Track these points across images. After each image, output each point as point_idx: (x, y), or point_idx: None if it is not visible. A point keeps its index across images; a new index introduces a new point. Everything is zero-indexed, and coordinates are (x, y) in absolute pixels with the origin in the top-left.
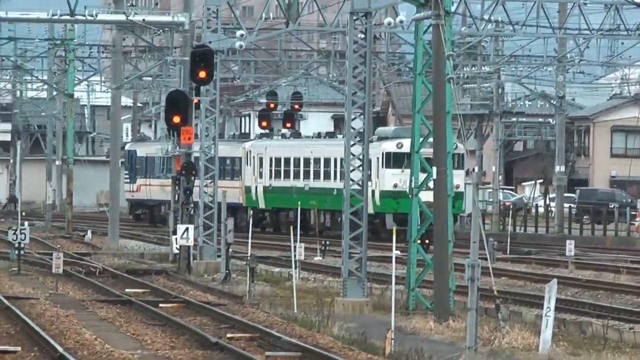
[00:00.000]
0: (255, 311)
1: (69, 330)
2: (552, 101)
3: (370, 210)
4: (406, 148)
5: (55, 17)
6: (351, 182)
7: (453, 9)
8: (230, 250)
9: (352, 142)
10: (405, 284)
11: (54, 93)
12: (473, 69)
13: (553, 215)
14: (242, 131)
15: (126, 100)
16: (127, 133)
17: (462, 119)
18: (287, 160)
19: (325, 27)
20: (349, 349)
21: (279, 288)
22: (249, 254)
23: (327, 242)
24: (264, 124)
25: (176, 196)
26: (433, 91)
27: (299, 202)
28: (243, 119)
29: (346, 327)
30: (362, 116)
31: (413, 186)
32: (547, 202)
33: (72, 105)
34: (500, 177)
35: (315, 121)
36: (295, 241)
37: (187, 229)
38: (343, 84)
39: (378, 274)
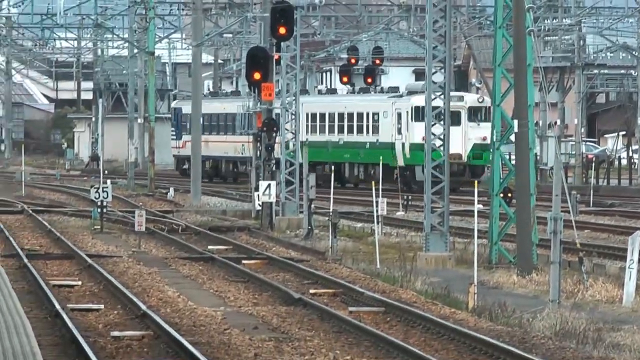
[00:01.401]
0: (338, 267)
1: (151, 288)
2: (634, 53)
3: (401, 162)
4: (435, 102)
5: None
6: (432, 137)
7: None
8: (312, 206)
9: (432, 97)
10: (487, 237)
11: (135, 51)
12: (554, 21)
13: (636, 167)
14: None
15: (207, 58)
16: (208, 90)
17: (544, 72)
18: (322, 116)
19: None
20: (432, 303)
21: (362, 243)
22: (331, 210)
23: (410, 197)
24: (345, 79)
25: (258, 153)
26: (514, 44)
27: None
28: (324, 74)
29: (429, 282)
30: (443, 70)
31: (494, 139)
32: (630, 154)
33: (153, 63)
34: (582, 129)
35: (397, 76)
36: (377, 196)
37: (269, 186)
38: (424, 38)
39: (460, 228)
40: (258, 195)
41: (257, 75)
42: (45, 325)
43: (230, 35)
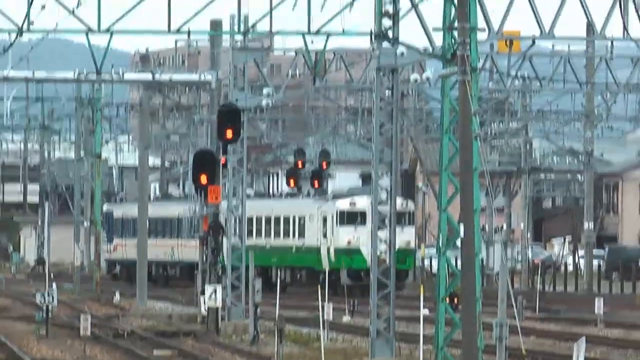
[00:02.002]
0: None
1: None
2: (580, 157)
3: (326, 266)
4: (359, 206)
5: (82, 76)
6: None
7: (480, 64)
8: (258, 310)
9: (379, 200)
10: (433, 343)
11: (82, 154)
12: (500, 125)
13: (582, 273)
14: (269, 190)
15: (154, 160)
16: (155, 192)
17: (490, 176)
18: (249, 220)
19: (353, 84)
20: None
21: (308, 349)
22: (277, 315)
23: (357, 302)
24: (292, 182)
25: (204, 256)
26: (460, 148)
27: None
28: (271, 177)
29: None
30: (389, 173)
31: (441, 244)
32: (577, 259)
33: (100, 166)
34: (528, 234)
35: (344, 179)
36: (323, 301)
37: (215, 290)
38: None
39: (406, 334)
40: (204, 299)
41: (203, 178)
42: None
43: (177, 137)
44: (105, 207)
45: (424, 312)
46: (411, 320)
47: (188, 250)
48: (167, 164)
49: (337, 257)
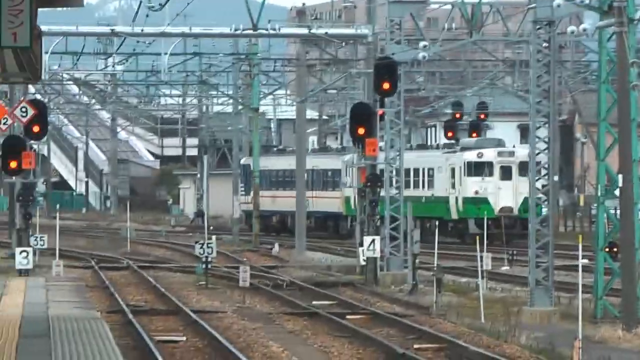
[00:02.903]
0: (442, 321)
1: (256, 344)
2: None
3: (455, 215)
4: (486, 157)
5: (239, 32)
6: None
7: (637, 15)
8: (416, 261)
9: (537, 151)
10: (592, 292)
11: (240, 107)
12: None
13: None
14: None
15: (311, 113)
16: (313, 145)
17: None
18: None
19: (509, 37)
20: (537, 358)
21: (466, 298)
22: (435, 265)
23: (515, 252)
24: (450, 134)
25: (362, 208)
26: (617, 99)
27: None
28: (429, 129)
29: (533, 337)
30: (547, 125)
31: (599, 194)
32: None
33: (258, 119)
34: None
35: (502, 130)
36: (481, 251)
37: (373, 241)
38: (528, 93)
39: (565, 283)
40: (362, 250)
41: (361, 131)
42: None
43: (335, 91)
44: (242, 160)
45: (583, 261)
46: (570, 269)
47: (321, 201)
48: (324, 116)
49: (465, 206)
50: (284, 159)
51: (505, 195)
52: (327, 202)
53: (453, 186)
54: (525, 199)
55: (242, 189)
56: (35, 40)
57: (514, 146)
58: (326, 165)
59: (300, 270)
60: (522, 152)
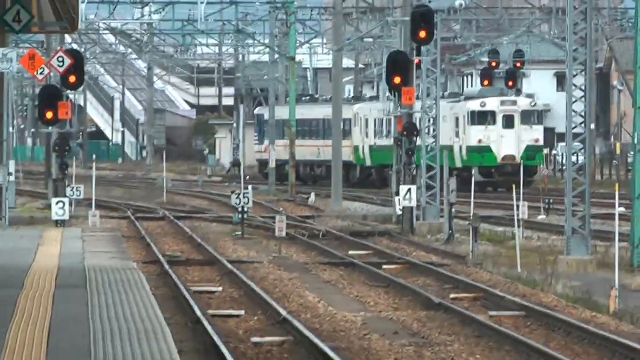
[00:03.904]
0: (479, 271)
1: (292, 293)
2: None
3: (459, 164)
4: (489, 106)
5: None
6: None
7: None
8: (453, 210)
9: (573, 99)
10: (629, 240)
11: (276, 56)
12: None
13: None
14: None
15: (348, 62)
16: (349, 94)
17: None
18: (388, 121)
19: None
20: (573, 307)
21: (502, 247)
22: (471, 214)
23: (551, 200)
24: (486, 82)
25: (398, 157)
26: None
27: None
28: (465, 77)
29: (570, 285)
30: (583, 72)
31: (635, 142)
32: None
33: (294, 68)
34: None
35: (538, 78)
36: (518, 200)
37: (409, 190)
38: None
39: (601, 231)
40: (399, 199)
41: (397, 80)
42: (185, 331)
43: (371, 39)
44: (257, 110)
45: (620, 210)
46: (606, 218)
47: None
48: (360, 65)
49: (469, 155)
50: (304, 108)
51: (508, 143)
52: None
53: (457, 135)
54: (528, 147)
55: (256, 138)
56: None
57: (516, 94)
58: None
59: (336, 219)
60: (524, 101)
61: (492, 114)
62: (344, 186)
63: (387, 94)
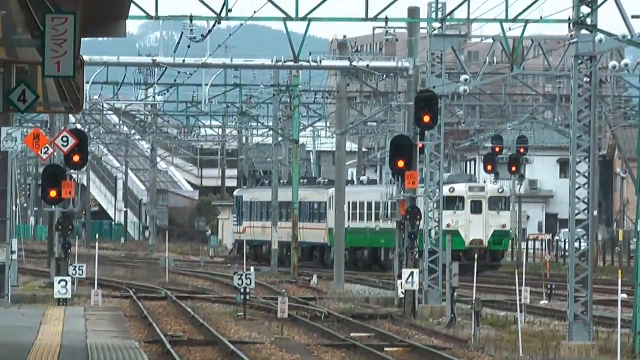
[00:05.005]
0: (481, 355)
1: None
2: None
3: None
4: (458, 192)
5: (280, 63)
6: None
7: None
8: (455, 294)
9: (577, 186)
10: (631, 327)
11: (279, 139)
12: None
13: None
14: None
15: (351, 145)
16: (352, 178)
17: None
18: (361, 204)
19: (550, 71)
20: None
21: (504, 332)
22: (473, 298)
23: (554, 286)
24: (489, 167)
25: (401, 240)
26: None
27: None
28: (468, 162)
29: None
30: (587, 159)
31: (638, 229)
32: None
33: (297, 151)
34: None
35: (541, 165)
36: (519, 285)
37: (412, 273)
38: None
39: (604, 317)
40: (401, 282)
41: (400, 163)
42: None
43: (375, 123)
44: (236, 192)
45: (622, 296)
46: (608, 304)
47: (308, 232)
48: (364, 149)
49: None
50: (266, 192)
51: (476, 228)
52: (313, 233)
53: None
54: (495, 232)
55: (235, 219)
56: (77, 70)
57: (484, 182)
58: (313, 198)
59: (338, 301)
60: (491, 187)
61: (461, 199)
62: (318, 267)
63: (390, 177)
